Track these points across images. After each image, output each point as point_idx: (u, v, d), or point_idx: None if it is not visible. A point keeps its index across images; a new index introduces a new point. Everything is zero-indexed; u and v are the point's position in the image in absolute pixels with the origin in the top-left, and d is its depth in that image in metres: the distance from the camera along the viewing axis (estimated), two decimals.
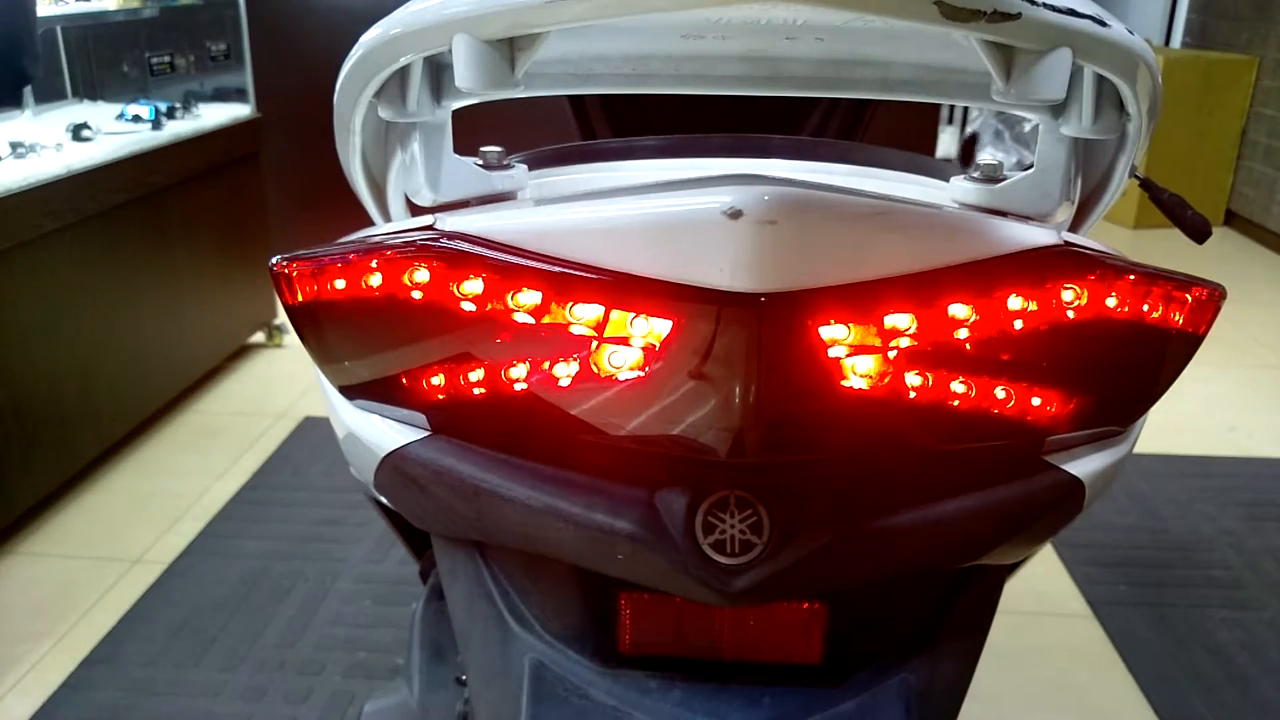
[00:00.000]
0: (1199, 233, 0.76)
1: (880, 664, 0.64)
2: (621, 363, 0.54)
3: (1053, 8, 0.49)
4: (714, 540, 0.54)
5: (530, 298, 0.54)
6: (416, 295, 0.55)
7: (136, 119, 2.46)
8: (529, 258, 0.54)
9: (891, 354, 0.53)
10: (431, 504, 0.61)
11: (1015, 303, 0.54)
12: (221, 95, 2.89)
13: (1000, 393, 0.56)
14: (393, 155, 0.72)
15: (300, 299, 0.57)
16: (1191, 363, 0.58)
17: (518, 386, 0.56)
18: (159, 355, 2.40)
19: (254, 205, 2.85)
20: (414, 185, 0.68)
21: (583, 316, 0.54)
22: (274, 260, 0.57)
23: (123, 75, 2.87)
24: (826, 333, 0.52)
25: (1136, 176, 0.69)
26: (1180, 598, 1.82)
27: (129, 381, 2.29)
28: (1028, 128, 4.12)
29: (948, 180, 0.73)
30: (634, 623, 0.64)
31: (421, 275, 0.55)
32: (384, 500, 0.68)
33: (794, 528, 0.54)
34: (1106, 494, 0.64)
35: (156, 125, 2.45)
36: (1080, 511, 0.61)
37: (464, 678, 0.90)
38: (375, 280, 0.56)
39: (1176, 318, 0.56)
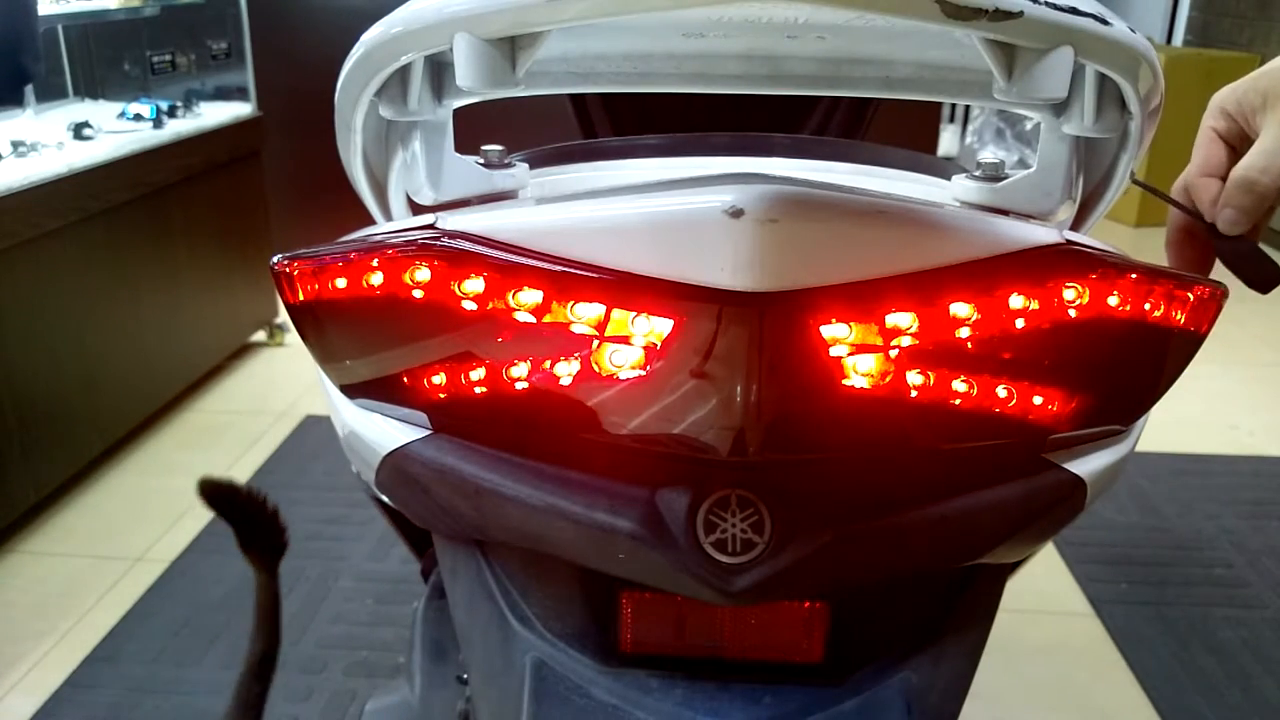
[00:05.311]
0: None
1: (881, 663, 0.64)
2: (623, 362, 0.54)
3: (1055, 6, 0.49)
4: (715, 539, 0.54)
5: (531, 297, 0.54)
6: (418, 294, 0.55)
7: (138, 118, 2.46)
8: (530, 257, 0.54)
9: (893, 353, 0.53)
10: (433, 503, 0.61)
11: (1017, 301, 0.54)
12: (223, 94, 2.89)
13: (1002, 391, 0.56)
14: (394, 154, 0.72)
15: (301, 298, 0.57)
16: (1193, 361, 0.58)
17: (519, 385, 0.56)
18: (160, 354, 2.40)
19: (255, 204, 2.85)
20: (415, 184, 0.68)
21: (584, 315, 0.53)
22: (275, 259, 0.57)
23: (124, 74, 2.87)
24: (828, 332, 0.52)
25: (1136, 181, 0.69)
26: (1182, 596, 1.82)
27: (131, 380, 2.29)
28: (1029, 126, 4.12)
29: (949, 179, 0.73)
30: (635, 621, 0.64)
31: (423, 274, 0.55)
32: (385, 499, 0.68)
33: (795, 527, 0.54)
34: (1108, 492, 0.64)
35: (158, 124, 2.45)
36: (1082, 510, 0.61)
37: (465, 676, 0.90)
38: (376, 279, 0.56)
39: (1178, 316, 0.56)
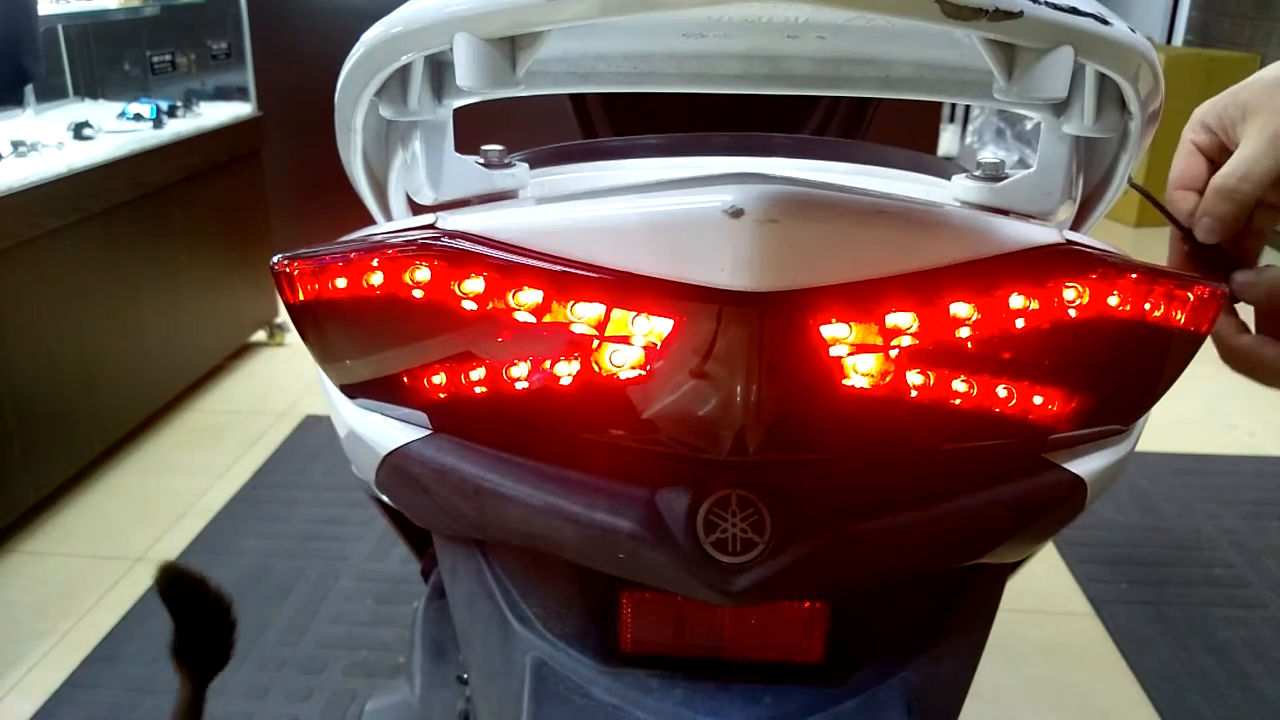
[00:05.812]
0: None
1: (882, 663, 0.64)
2: (623, 362, 0.54)
3: (1055, 6, 0.49)
4: (715, 539, 0.54)
5: (531, 296, 0.54)
6: (418, 294, 0.55)
7: (138, 117, 2.46)
8: (530, 256, 0.54)
9: (893, 353, 0.53)
10: (433, 503, 0.61)
11: (1017, 301, 0.54)
12: (223, 93, 2.89)
13: (1002, 391, 0.56)
14: (394, 154, 0.72)
15: (301, 298, 0.57)
16: (1193, 361, 0.58)
17: (519, 385, 0.56)
18: (161, 354, 2.40)
19: (255, 204, 2.85)
20: (415, 184, 0.68)
21: (584, 315, 0.53)
22: (275, 259, 0.57)
23: (124, 74, 2.87)
24: (828, 331, 0.52)
25: (1132, 184, 0.69)
26: (1182, 596, 1.82)
27: (131, 380, 2.29)
28: (1029, 126, 4.12)
29: (949, 179, 0.73)
30: (635, 621, 0.64)
31: (423, 274, 0.55)
32: (385, 499, 0.68)
33: (795, 527, 0.54)
34: (1108, 492, 0.64)
35: (158, 124, 2.45)
36: (1082, 510, 0.61)
37: (465, 676, 0.90)
38: (376, 279, 0.56)
39: (1178, 316, 0.56)
